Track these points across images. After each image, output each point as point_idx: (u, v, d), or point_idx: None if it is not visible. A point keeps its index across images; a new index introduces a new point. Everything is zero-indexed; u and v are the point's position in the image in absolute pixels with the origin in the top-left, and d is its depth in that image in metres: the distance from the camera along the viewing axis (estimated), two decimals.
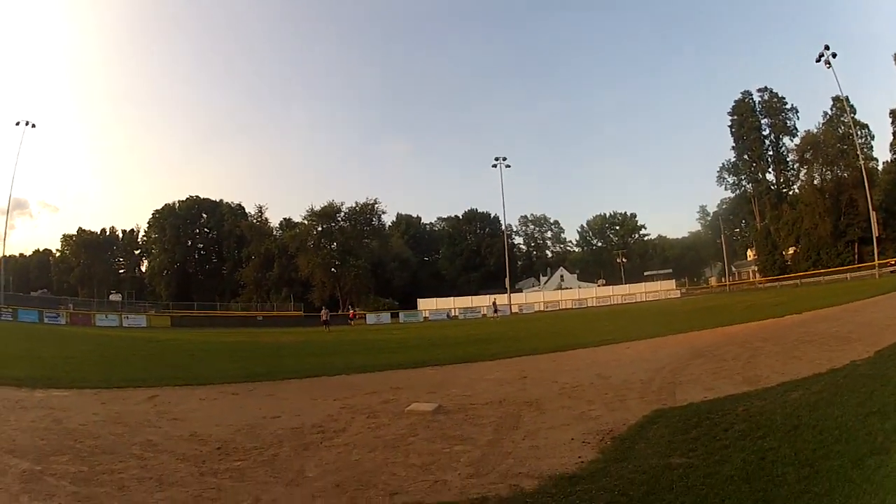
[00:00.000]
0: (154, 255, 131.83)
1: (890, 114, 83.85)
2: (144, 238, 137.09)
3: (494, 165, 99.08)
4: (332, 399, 13.06)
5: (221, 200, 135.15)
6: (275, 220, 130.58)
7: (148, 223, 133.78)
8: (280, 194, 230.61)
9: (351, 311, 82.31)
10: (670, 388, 11.76)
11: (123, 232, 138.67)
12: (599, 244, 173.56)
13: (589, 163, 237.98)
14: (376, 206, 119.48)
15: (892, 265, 70.78)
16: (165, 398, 13.66)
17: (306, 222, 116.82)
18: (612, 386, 12.71)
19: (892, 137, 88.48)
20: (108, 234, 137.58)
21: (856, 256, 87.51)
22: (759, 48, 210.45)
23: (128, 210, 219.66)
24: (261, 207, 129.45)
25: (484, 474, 7.09)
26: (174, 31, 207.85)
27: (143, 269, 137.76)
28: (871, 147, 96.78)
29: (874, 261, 68.67)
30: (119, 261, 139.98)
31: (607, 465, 6.88)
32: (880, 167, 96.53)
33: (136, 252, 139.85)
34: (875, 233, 67.34)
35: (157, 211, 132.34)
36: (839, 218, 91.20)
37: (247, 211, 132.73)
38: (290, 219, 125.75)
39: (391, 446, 8.74)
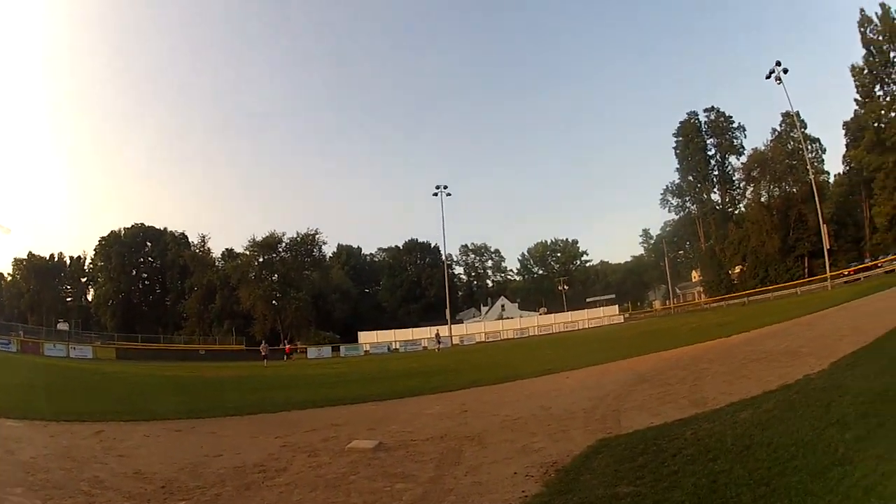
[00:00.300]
0: (100, 283, 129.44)
1: (843, 125, 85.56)
2: (91, 266, 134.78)
3: (435, 194, 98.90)
4: (272, 437, 13.07)
5: (165, 229, 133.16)
6: (218, 250, 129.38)
7: (94, 250, 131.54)
8: (223, 224, 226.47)
9: (287, 346, 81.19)
10: (614, 416, 11.74)
11: (71, 258, 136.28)
12: (541, 272, 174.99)
13: (530, 191, 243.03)
14: (317, 236, 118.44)
15: (845, 276, 71.72)
16: (111, 433, 13.79)
17: (248, 253, 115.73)
18: (555, 416, 12.70)
19: (844, 149, 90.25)
20: (56, 259, 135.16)
21: (806, 270, 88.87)
22: (708, 67, 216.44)
23: (76, 235, 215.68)
24: (203, 237, 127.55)
25: None
26: (120, 58, 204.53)
27: (90, 297, 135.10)
28: (822, 160, 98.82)
29: (825, 273, 69.33)
30: (67, 288, 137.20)
31: (552, 499, 6.78)
32: (832, 179, 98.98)
33: (83, 280, 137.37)
34: (826, 245, 68.36)
35: (103, 238, 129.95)
36: (788, 233, 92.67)
37: (190, 240, 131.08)
38: (232, 249, 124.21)
39: (332, 486, 8.74)
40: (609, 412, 12.28)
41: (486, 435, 11.52)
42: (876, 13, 69.11)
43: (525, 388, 19.52)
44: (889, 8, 67.68)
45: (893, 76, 69.33)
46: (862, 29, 70.76)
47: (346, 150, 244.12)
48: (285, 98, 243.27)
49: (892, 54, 68.70)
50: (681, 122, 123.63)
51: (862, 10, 71.05)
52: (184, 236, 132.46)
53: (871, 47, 70.42)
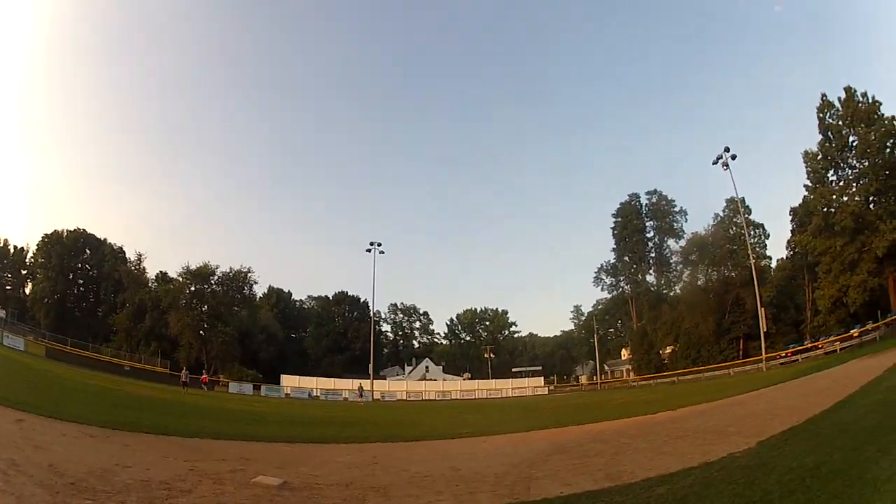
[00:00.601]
0: (38, 279, 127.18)
1: (790, 211, 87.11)
2: (32, 260, 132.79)
3: (369, 250, 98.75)
4: (182, 460, 13.20)
5: (105, 240, 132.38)
6: (153, 271, 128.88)
7: (37, 245, 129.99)
8: (160, 245, 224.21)
9: (204, 376, 79.89)
10: (525, 483, 11.58)
11: (15, 248, 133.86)
12: (468, 338, 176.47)
13: (464, 258, 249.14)
14: (249, 274, 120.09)
15: (782, 357, 72.26)
16: (31, 424, 14.60)
17: (181, 279, 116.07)
18: (464, 478, 12.56)
19: (790, 234, 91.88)
20: (1, 245, 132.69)
21: (741, 352, 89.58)
22: (652, 150, 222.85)
23: (24, 224, 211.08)
24: (140, 255, 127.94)
25: None
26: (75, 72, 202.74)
27: (28, 291, 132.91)
28: (765, 246, 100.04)
29: (761, 355, 69.96)
30: (7, 276, 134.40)
31: None
32: (774, 264, 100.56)
33: (23, 272, 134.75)
34: (763, 328, 69.45)
35: (46, 235, 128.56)
36: (724, 316, 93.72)
37: (127, 256, 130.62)
38: (166, 273, 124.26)
39: None
40: (520, 479, 12.08)
41: (392, 488, 11.52)
42: (839, 97, 70.71)
43: (439, 448, 19.60)
44: (854, 91, 69.39)
45: (850, 160, 70.81)
46: (821, 115, 72.32)
47: (289, 195, 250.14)
48: (235, 127, 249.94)
49: (850, 139, 70.23)
50: (621, 203, 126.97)
51: (823, 95, 72.76)
52: (122, 251, 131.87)
53: (830, 132, 72.00)
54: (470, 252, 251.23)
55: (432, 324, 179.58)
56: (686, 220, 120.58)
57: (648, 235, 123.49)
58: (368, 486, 11.70)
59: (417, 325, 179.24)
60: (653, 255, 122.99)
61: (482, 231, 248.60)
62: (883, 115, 67.60)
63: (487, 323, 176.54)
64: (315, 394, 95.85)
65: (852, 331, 66.72)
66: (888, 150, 67.16)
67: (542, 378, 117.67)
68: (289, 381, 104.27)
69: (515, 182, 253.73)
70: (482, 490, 11.06)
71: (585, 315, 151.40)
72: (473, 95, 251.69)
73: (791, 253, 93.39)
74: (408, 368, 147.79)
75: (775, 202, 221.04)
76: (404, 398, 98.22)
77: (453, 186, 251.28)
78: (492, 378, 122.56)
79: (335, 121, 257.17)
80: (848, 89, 71.12)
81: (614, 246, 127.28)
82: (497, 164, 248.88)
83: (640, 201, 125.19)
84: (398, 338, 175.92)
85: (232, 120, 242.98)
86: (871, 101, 69.05)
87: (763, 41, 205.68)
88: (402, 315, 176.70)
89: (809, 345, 74.38)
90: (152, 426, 19.25)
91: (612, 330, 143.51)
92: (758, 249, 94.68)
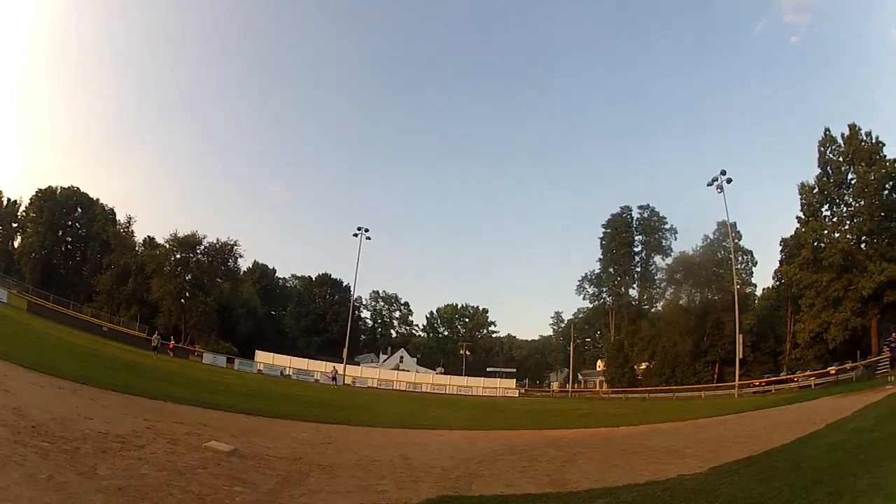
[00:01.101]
0: (28, 233, 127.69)
1: (781, 241, 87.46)
2: (23, 214, 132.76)
3: (356, 234, 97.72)
4: (142, 418, 13.78)
5: (98, 200, 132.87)
6: (141, 235, 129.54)
7: (30, 199, 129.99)
8: (150, 209, 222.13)
9: (171, 342, 79.50)
10: (469, 479, 11.77)
11: (8, 200, 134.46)
12: (446, 333, 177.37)
13: (450, 253, 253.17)
14: (235, 247, 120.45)
15: (755, 386, 72.65)
16: (4, 370, 15.47)
17: (167, 246, 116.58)
18: (412, 467, 12.79)
19: (778, 264, 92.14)
20: None
21: (715, 376, 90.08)
22: (646, 166, 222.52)
23: (17, 178, 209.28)
24: (130, 218, 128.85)
25: None
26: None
27: (16, 244, 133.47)
28: (752, 273, 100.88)
29: (735, 380, 70.18)
30: None
31: None
32: (759, 292, 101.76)
33: (14, 225, 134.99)
34: (739, 354, 69.43)
35: (40, 190, 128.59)
36: (702, 338, 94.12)
37: (118, 218, 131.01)
38: (153, 238, 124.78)
39: (179, 472, 9.33)
40: (466, 474, 12.29)
41: (338, 468, 11.79)
42: (842, 133, 70.67)
43: (396, 436, 19.71)
44: (858, 129, 69.37)
45: (846, 197, 70.95)
46: (822, 149, 72.31)
47: (278, 168, 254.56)
48: (229, 97, 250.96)
49: (849, 176, 70.33)
50: (612, 215, 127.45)
51: (827, 130, 72.71)
52: (112, 212, 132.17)
53: (829, 167, 72.06)
54: (458, 248, 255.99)
55: (412, 315, 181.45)
56: (675, 239, 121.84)
57: (636, 249, 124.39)
58: (316, 462, 11.98)
59: (397, 314, 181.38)
60: (638, 269, 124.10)
61: (471, 229, 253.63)
62: (885, 156, 67.69)
63: (467, 320, 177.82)
64: (287, 372, 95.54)
65: (829, 368, 66.93)
66: (886, 191, 67.36)
67: (515, 381, 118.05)
68: (263, 358, 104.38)
69: (507, 184, 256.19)
70: (425, 480, 11.21)
71: (565, 322, 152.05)
72: (473, 92, 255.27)
73: (777, 283, 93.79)
74: (383, 357, 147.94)
75: (766, 231, 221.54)
76: (375, 386, 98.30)
77: (450, 181, 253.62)
78: (465, 375, 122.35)
79: (333, 108, 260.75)
80: (852, 126, 71.11)
81: (601, 256, 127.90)
82: (492, 164, 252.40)
83: (631, 214, 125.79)
84: (377, 325, 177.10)
85: (223, 86, 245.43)
86: (874, 140, 69.15)
87: (779, 72, 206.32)
88: (382, 303, 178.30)
89: (785, 377, 74.66)
90: (120, 385, 19.62)
91: (589, 340, 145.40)
92: (744, 276, 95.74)
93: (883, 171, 67.20)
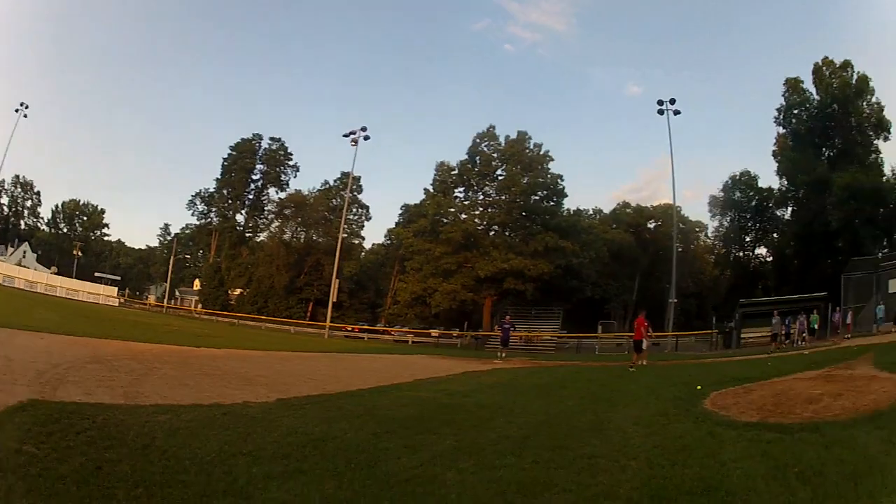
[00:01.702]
0: None
1: (402, 206, 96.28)
2: None
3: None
4: None
5: None
6: None
7: None
8: None
9: None
10: (55, 384, 11.97)
11: None
12: (65, 230, 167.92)
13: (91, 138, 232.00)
14: None
15: (347, 330, 77.20)
16: None
17: None
18: (9, 370, 12.91)
19: (394, 225, 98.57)
20: None
21: (308, 314, 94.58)
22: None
23: None
24: None
25: None
26: None
27: None
28: (363, 226, 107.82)
29: (326, 322, 73.59)
30: None
31: None
32: (368, 245, 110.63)
33: None
34: (333, 298, 72.83)
35: None
36: (300, 275, 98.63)
37: None
38: None
39: None
40: (53, 378, 12.54)
41: None
42: (508, 135, 79.72)
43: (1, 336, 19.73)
44: (528, 136, 78.75)
45: (486, 188, 78.26)
46: (478, 140, 79.30)
47: None
48: None
49: (498, 172, 76.92)
50: (242, 139, 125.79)
51: (491, 127, 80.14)
52: None
53: (478, 158, 78.11)
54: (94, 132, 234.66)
55: (41, 206, 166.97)
56: (295, 176, 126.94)
57: (255, 177, 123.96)
58: None
59: (29, 204, 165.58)
60: (251, 197, 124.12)
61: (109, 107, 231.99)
62: (549, 169, 75.30)
63: (85, 218, 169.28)
64: None
65: (432, 330, 72.50)
66: (537, 197, 74.73)
67: (117, 289, 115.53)
68: None
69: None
70: (21, 383, 11.46)
71: (172, 236, 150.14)
72: None
73: (388, 242, 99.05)
74: (10, 250, 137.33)
75: (391, 193, 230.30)
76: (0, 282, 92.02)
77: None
78: (76, 278, 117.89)
79: None
80: (521, 135, 77.61)
81: (219, 176, 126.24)
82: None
83: (260, 143, 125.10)
84: (10, 215, 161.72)
85: None
86: (541, 152, 77.53)
87: None
88: (20, 190, 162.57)
89: (382, 328, 79.75)
90: None
91: (190, 257, 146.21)
92: (354, 227, 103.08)
93: (539, 179, 73.84)
